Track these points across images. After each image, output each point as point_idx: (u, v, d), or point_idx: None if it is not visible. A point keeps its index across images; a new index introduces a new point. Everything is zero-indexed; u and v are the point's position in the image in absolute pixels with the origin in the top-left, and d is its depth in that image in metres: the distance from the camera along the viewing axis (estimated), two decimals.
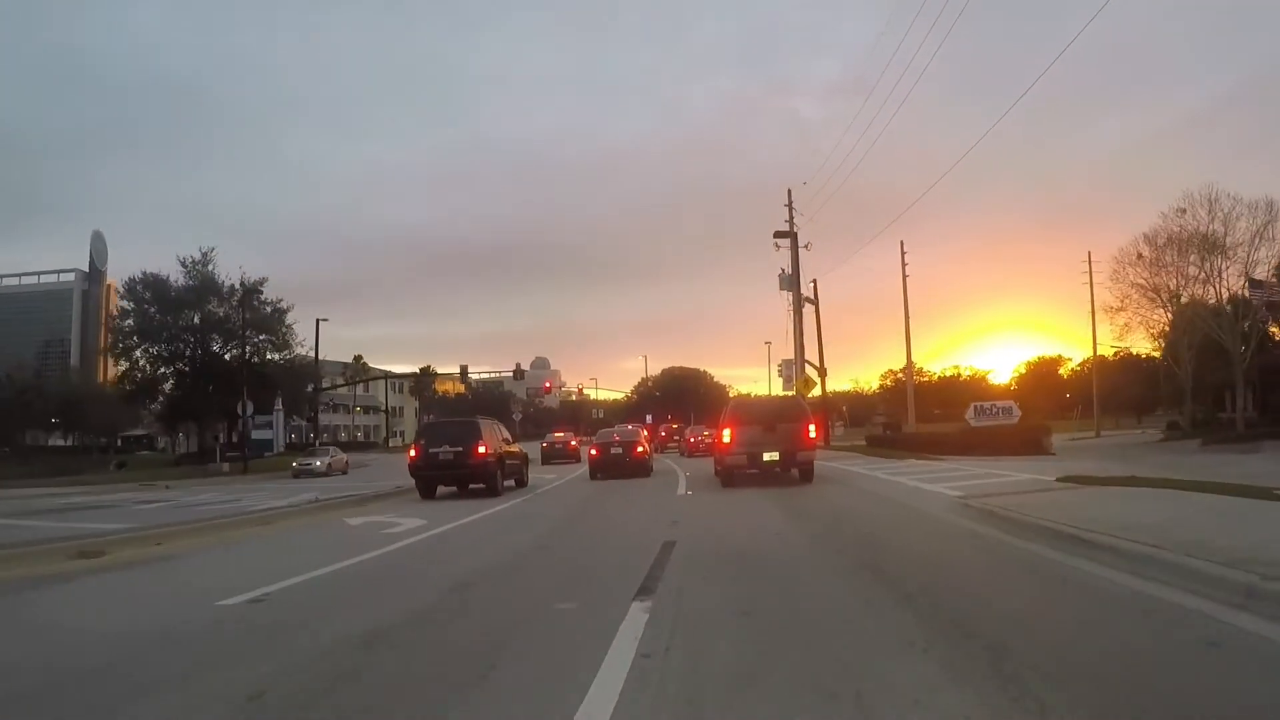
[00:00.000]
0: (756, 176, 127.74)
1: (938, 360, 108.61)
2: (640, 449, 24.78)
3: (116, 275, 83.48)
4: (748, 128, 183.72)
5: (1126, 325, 43.23)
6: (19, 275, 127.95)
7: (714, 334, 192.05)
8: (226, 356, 48.13)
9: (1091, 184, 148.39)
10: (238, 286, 48.37)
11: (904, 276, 48.12)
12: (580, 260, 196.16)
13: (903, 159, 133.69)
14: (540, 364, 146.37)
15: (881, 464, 22.76)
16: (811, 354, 38.78)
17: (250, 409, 47.21)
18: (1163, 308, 41.04)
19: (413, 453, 19.63)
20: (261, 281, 50.32)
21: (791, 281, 36.56)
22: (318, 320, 58.15)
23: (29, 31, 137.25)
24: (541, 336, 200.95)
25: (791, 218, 37.34)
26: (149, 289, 46.81)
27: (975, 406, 32.58)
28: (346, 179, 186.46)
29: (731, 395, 27.90)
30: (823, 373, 38.89)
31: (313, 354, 57.19)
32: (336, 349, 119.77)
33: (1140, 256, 40.83)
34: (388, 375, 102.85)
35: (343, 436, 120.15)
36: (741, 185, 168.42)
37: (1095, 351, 58.58)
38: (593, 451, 25.17)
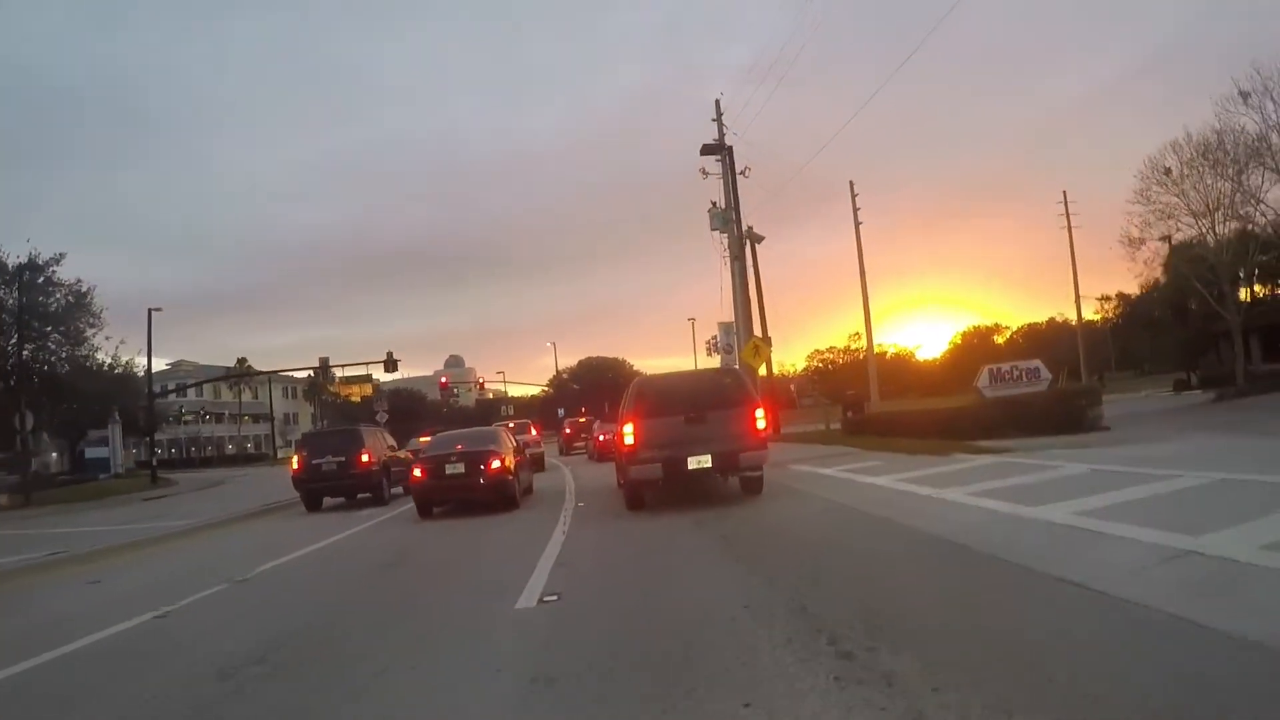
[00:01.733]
0: (671, 164, 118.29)
1: (857, 339, 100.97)
2: (497, 464, 14.79)
3: None
4: (659, 117, 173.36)
5: (1149, 262, 34.84)
6: None
7: (635, 324, 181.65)
8: None
9: (1006, 155, 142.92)
10: (24, 265, 36.32)
11: (856, 224, 38.86)
12: (496, 258, 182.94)
13: (808, 136, 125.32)
14: (455, 362, 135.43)
15: (908, 464, 13.24)
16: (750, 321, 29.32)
17: (30, 422, 35.64)
18: (1202, 231, 32.23)
19: (295, 464, 18.99)
20: (56, 259, 37.89)
21: (724, 217, 26.75)
22: (150, 310, 46.30)
23: None
24: (458, 335, 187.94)
25: (721, 132, 27.65)
26: None
27: (990, 370, 23.26)
28: (254, 183, 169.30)
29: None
30: (767, 341, 29.13)
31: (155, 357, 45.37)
32: (228, 356, 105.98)
33: (1168, 172, 32.11)
34: (270, 375, 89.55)
35: (229, 449, 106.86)
36: (656, 174, 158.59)
37: (1079, 310, 49.31)
38: (417, 472, 15.13)
